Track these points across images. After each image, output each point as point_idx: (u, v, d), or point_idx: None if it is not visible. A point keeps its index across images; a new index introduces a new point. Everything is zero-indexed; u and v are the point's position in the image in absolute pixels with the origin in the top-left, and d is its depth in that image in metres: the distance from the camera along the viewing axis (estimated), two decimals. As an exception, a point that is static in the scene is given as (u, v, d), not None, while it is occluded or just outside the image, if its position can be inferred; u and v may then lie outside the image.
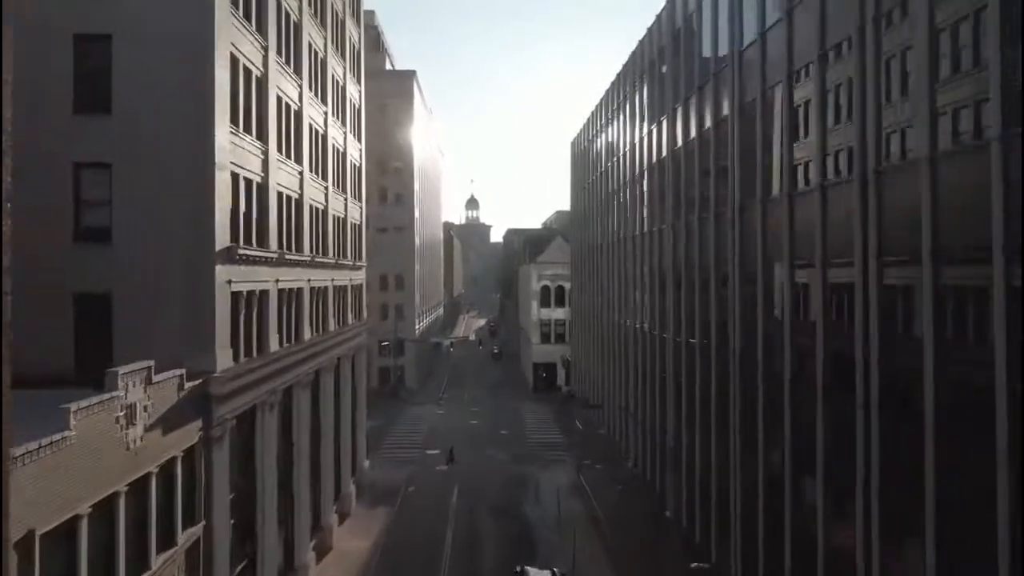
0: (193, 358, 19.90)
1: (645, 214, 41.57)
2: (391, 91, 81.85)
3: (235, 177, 22.43)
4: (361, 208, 45.44)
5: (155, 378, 16.75)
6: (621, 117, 48.54)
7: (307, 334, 31.45)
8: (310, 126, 32.25)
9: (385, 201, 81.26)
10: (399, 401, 73.50)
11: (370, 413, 63.61)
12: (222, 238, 20.74)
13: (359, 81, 45.03)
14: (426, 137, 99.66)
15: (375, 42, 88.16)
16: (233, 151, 22.01)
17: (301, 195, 30.42)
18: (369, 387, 76.12)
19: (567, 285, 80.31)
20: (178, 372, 17.96)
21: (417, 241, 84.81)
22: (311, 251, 32.44)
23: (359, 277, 44.11)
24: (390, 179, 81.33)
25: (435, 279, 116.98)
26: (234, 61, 22.37)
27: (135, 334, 19.80)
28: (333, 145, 37.06)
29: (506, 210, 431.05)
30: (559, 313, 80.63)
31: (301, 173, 30.36)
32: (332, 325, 36.58)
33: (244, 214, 23.42)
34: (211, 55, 20.26)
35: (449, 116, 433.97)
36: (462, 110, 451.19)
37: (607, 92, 53.00)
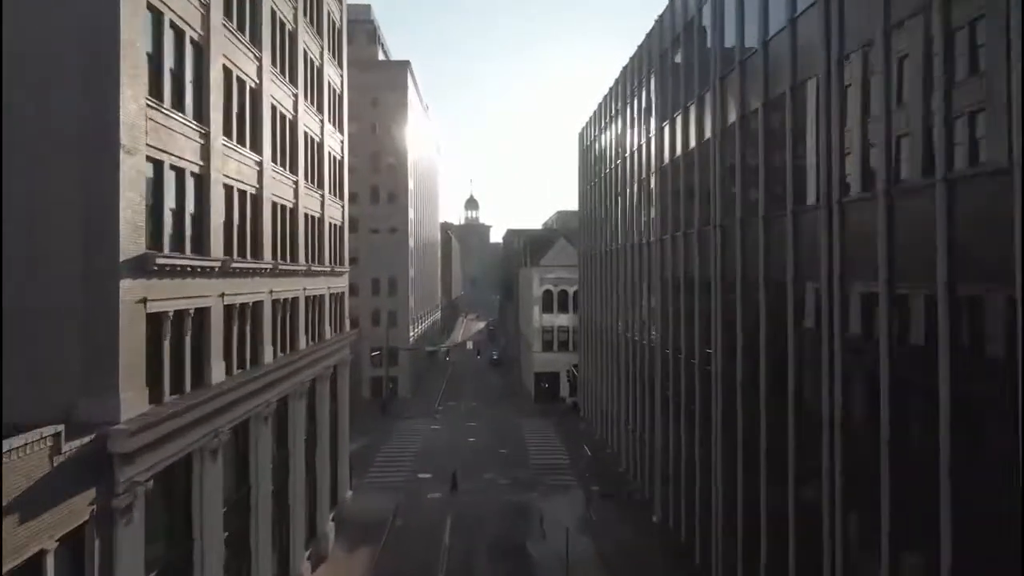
0: (90, 405, 14.96)
1: (657, 219, 36.73)
2: (383, 83, 76.89)
3: (157, 165, 17.45)
4: (343, 207, 40.47)
5: (9, 443, 11.78)
6: (630, 111, 43.66)
7: (268, 356, 26.49)
8: (274, 109, 27.31)
9: (377, 200, 76.30)
10: (391, 415, 68.55)
11: (358, 430, 58.78)
12: (132, 244, 15.75)
13: (340, 64, 40.03)
14: (422, 133, 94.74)
15: (371, 36, 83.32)
16: (154, 131, 17.04)
17: (260, 190, 25.46)
18: (360, 399, 71.44)
19: (571, 290, 75.35)
20: (51, 431, 12.98)
21: (411, 243, 79.88)
22: (275, 257, 27.50)
23: (339, 284, 39.13)
24: (383, 177, 76.36)
25: (432, 282, 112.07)
26: (156, 14, 17.42)
27: (13, 376, 14.86)
28: (306, 134, 32.12)
29: (506, 210, 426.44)
30: (562, 319, 75.67)
31: (260, 164, 25.40)
32: (303, 342, 31.64)
33: (173, 212, 18.45)
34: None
35: (448, 115, 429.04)
36: (461, 110, 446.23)
37: (617, 80, 48.08)
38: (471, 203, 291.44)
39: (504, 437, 59.19)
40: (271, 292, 26.58)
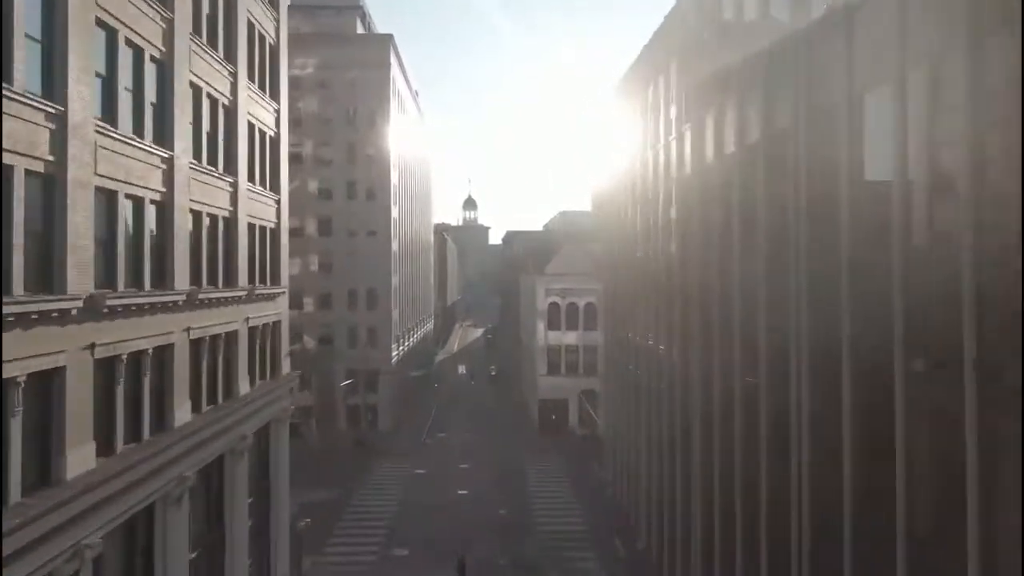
0: None
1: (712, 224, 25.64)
2: (361, 60, 65.80)
3: None
4: (277, 204, 29.38)
5: None
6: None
7: (146, 431, 15.48)
8: (137, 51, 16.27)
9: (354, 197, 65.21)
10: (369, 451, 57.50)
11: (326, 478, 47.95)
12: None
13: (275, 5, 28.90)
14: (410, 122, 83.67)
15: (351, 7, 72.02)
16: None
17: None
18: (335, 431, 60.65)
19: (581, 302, 64.32)
20: None
21: (395, 247, 68.81)
22: (152, 285, 16.53)
23: (269, 312, 27.97)
24: (360, 170, 65.27)
25: (424, 288, 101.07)
26: None
27: None
28: (199, 88, 21.04)
29: (505, 211, 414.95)
30: (571, 337, 64.64)
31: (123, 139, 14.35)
32: (204, 404, 20.63)
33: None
34: None
35: (445, 113, 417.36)
36: (459, 107, 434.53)
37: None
38: (469, 203, 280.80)
39: (504, 488, 48.09)
40: (165, 335, 15.48)
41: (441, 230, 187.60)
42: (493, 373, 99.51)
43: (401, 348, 72.61)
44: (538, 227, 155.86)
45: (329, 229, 64.76)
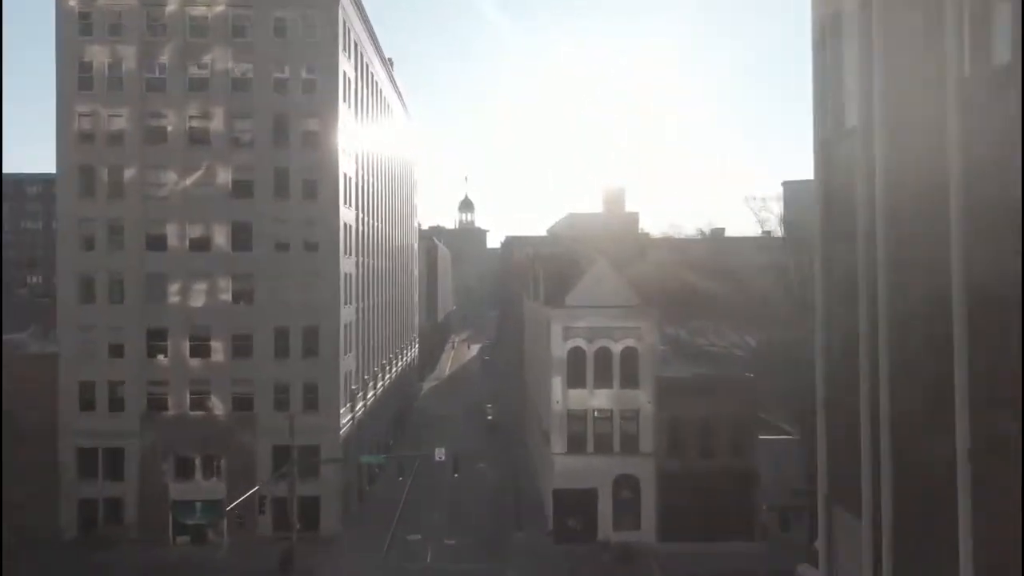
0: None
1: None
2: (297, -4, 45.30)
3: None
4: None
5: None
6: None
7: None
8: None
9: (285, 195, 44.75)
10: (295, 586, 37.15)
11: None
12: None
13: None
14: (377, 94, 63.22)
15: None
16: None
17: None
18: (255, 539, 39.61)
19: (616, 347, 44.01)
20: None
21: (349, 265, 48.44)
22: None
23: None
24: (294, 155, 44.82)
25: (404, 312, 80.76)
26: None
27: None
28: None
29: (504, 211, 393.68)
30: (601, 398, 44.24)
31: None
32: None
33: None
34: None
35: (441, 113, 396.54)
36: (454, 107, 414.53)
37: None
38: (465, 204, 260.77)
39: None
40: None
41: (432, 235, 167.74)
42: (490, 418, 78.93)
43: (361, 406, 52.11)
44: (539, 229, 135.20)
45: (247, 240, 44.33)
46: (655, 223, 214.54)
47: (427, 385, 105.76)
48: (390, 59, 71.17)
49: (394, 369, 71.84)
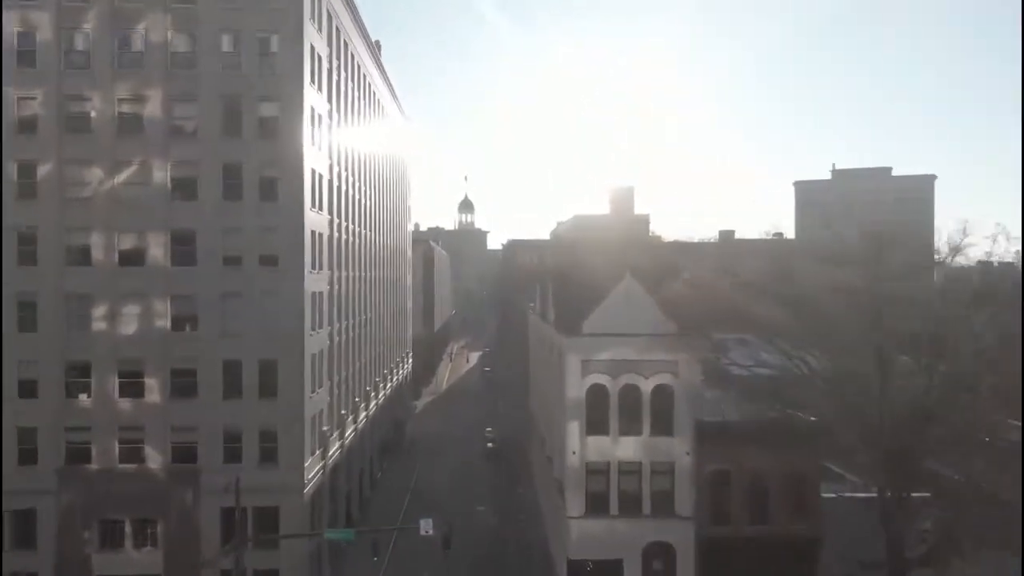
0: None
1: None
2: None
3: None
4: None
5: None
6: None
7: None
8: None
9: (237, 197, 36.23)
10: None
11: None
12: None
13: None
14: (359, 78, 54.73)
15: None
16: None
17: None
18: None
19: (647, 385, 35.62)
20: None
21: (319, 283, 39.96)
22: None
23: None
24: (249, 146, 36.31)
25: (396, 327, 72.26)
26: None
27: None
28: None
29: (505, 213, 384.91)
30: (628, 447, 35.78)
31: None
32: None
33: None
34: None
35: (442, 108, 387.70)
36: (454, 108, 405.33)
37: None
38: (465, 205, 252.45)
39: None
40: None
41: (431, 237, 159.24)
42: (491, 444, 70.42)
43: (336, 449, 43.62)
44: (541, 230, 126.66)
45: (190, 253, 35.84)
46: (660, 225, 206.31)
47: (423, 401, 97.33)
48: (377, 42, 62.71)
49: (383, 392, 63.38)
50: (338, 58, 45.40)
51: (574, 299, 40.57)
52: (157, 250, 35.69)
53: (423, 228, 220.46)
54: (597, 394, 36.06)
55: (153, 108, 35.74)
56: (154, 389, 35.62)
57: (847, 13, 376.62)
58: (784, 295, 30.69)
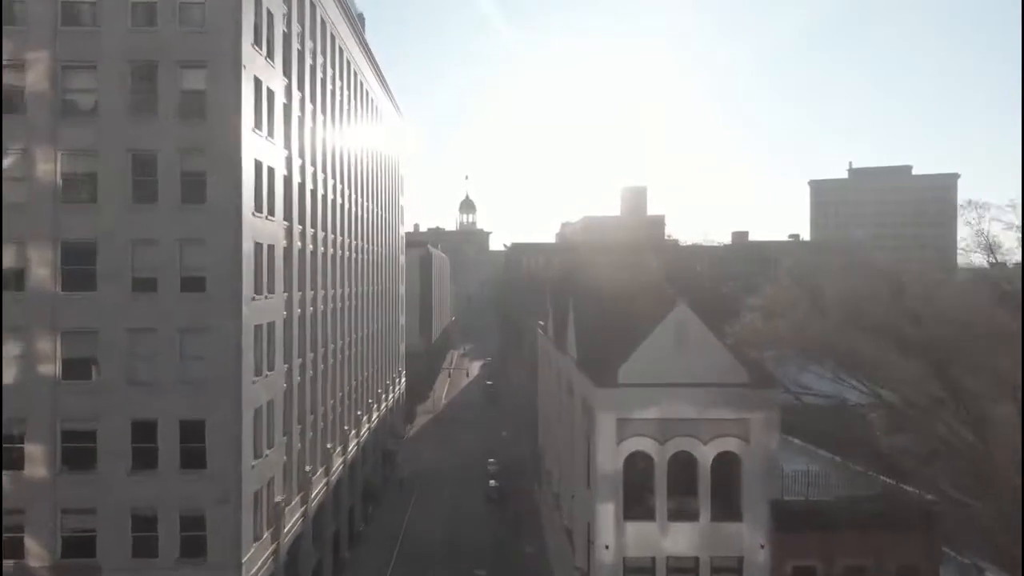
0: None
1: None
2: None
3: None
4: None
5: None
6: None
7: None
8: None
9: (151, 198, 26.79)
10: None
11: None
12: None
13: None
14: (336, 54, 45.26)
15: None
16: None
17: None
18: None
19: (707, 453, 26.10)
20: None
21: (267, 312, 30.52)
22: None
23: None
24: (166, 128, 26.87)
25: (384, 349, 62.90)
26: None
27: None
28: None
29: (507, 212, 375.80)
30: (681, 538, 26.32)
31: None
32: None
33: None
34: None
35: (442, 108, 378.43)
36: (453, 108, 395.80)
37: None
38: (467, 205, 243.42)
39: None
40: None
41: (429, 239, 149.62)
42: (494, 482, 60.78)
43: (298, 518, 34.16)
44: (546, 231, 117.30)
45: (87, 274, 26.42)
46: (671, 227, 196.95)
47: (418, 423, 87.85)
48: (360, 15, 53.30)
49: (367, 427, 54.03)
50: (301, 23, 36.01)
51: (602, 330, 31.11)
52: (41, 269, 26.30)
53: (423, 228, 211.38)
54: (638, 465, 26.61)
55: (37, 77, 26.37)
56: (37, 459, 26.24)
57: (859, 10, 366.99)
58: (911, 339, 21.36)
